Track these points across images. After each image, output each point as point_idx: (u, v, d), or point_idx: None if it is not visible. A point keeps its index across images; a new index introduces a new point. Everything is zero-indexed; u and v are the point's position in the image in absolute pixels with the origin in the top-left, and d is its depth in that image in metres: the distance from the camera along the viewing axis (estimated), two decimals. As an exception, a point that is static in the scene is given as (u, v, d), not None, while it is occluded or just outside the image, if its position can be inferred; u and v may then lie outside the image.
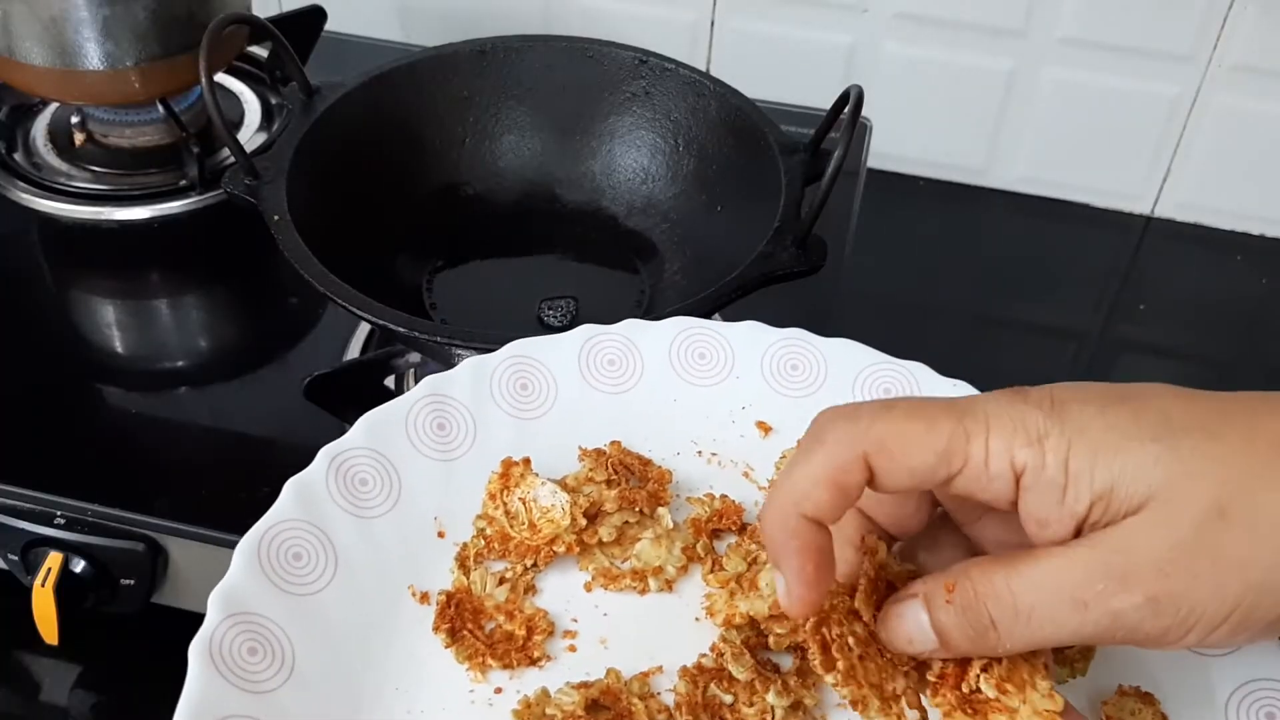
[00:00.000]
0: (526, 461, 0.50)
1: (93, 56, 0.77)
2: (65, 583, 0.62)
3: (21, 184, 0.84)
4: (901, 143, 0.96)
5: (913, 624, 0.35)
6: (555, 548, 0.48)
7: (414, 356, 0.67)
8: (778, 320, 0.76)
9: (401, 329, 0.57)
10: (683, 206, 0.74)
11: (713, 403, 0.56)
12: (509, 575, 0.48)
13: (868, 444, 0.33)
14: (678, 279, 0.72)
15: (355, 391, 0.66)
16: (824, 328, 0.76)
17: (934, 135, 0.96)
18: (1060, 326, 0.87)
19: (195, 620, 0.66)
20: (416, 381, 0.70)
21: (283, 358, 0.75)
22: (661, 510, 0.50)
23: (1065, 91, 0.91)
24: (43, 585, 0.62)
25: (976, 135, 0.96)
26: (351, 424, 0.66)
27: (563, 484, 0.50)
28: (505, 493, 0.49)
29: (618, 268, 0.74)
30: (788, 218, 0.62)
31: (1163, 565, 0.31)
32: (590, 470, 0.51)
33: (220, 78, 0.92)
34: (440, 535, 0.49)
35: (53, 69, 0.78)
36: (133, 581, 0.64)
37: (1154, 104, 0.90)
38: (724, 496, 0.51)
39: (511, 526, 0.49)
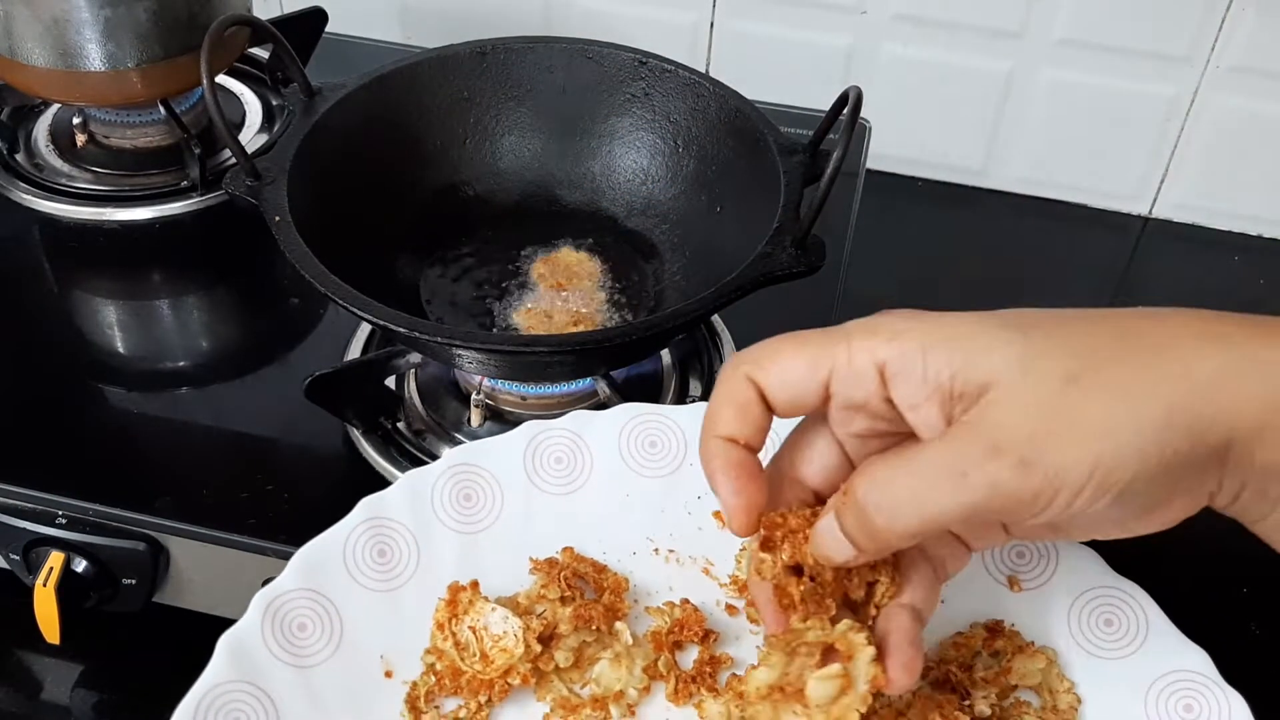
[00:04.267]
0: (475, 585, 0.48)
1: (94, 58, 0.77)
2: (67, 582, 0.62)
3: (23, 185, 0.84)
4: (900, 144, 0.97)
5: (830, 536, 0.38)
6: (510, 680, 0.46)
7: (414, 356, 0.67)
8: (779, 320, 0.76)
9: (402, 329, 0.57)
10: (682, 207, 0.74)
11: (667, 494, 0.53)
12: (463, 715, 0.46)
13: (747, 367, 0.39)
14: (678, 279, 0.72)
15: (356, 391, 0.66)
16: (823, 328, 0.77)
17: (932, 136, 0.97)
18: (1059, 327, 0.87)
19: (196, 620, 0.67)
20: (416, 381, 0.70)
21: (284, 358, 0.75)
22: (620, 625, 0.48)
23: (1063, 92, 0.92)
24: (44, 585, 0.62)
25: (975, 136, 0.96)
26: (351, 423, 0.67)
27: (514, 604, 0.48)
28: (454, 622, 0.47)
29: (618, 268, 0.74)
30: (787, 218, 0.62)
31: (1029, 431, 0.33)
32: (543, 586, 0.49)
33: (221, 79, 0.92)
34: (388, 675, 0.47)
35: (54, 70, 0.78)
36: (134, 581, 0.64)
37: (1152, 105, 0.90)
38: (684, 602, 0.50)
39: (462, 659, 0.46)
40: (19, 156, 0.88)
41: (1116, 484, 0.32)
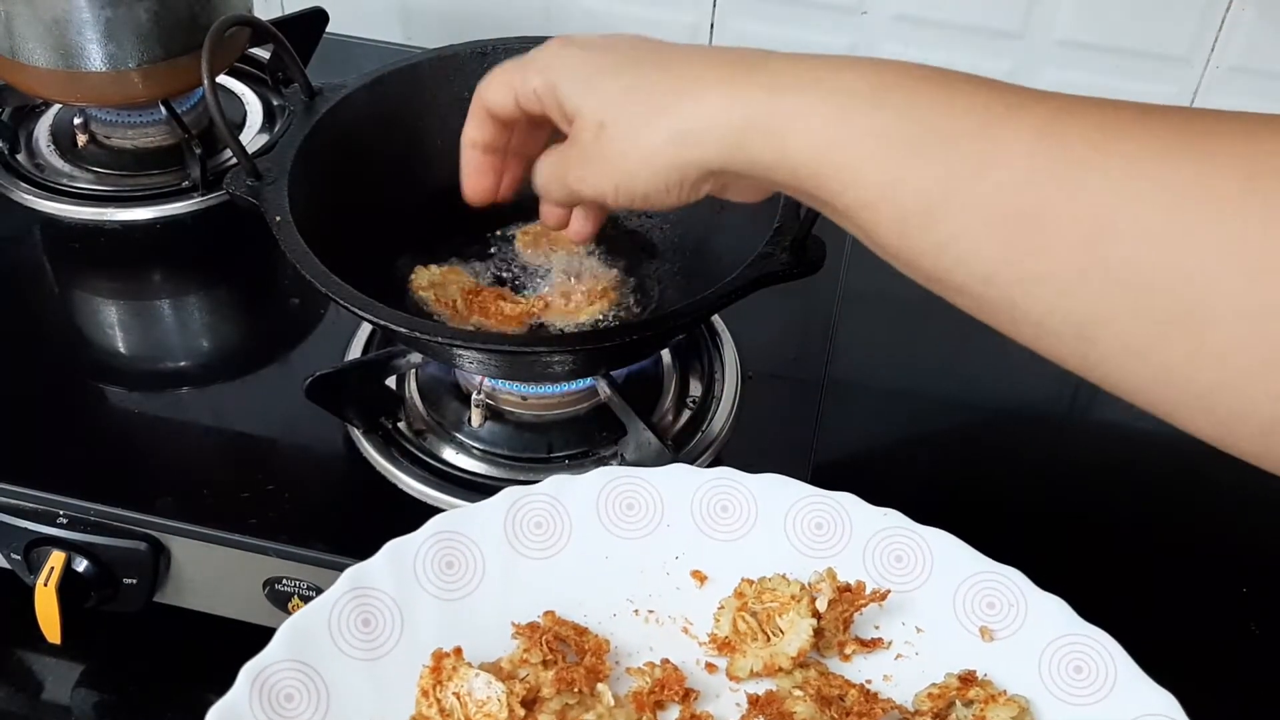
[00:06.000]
0: (458, 652, 0.48)
1: (95, 58, 0.77)
2: (68, 582, 0.62)
3: (24, 185, 0.85)
4: (901, 144, 0.97)
5: (538, 184, 0.53)
6: None
7: (415, 356, 0.67)
8: (779, 319, 0.76)
9: (402, 329, 0.57)
10: (683, 208, 0.74)
11: (645, 555, 0.55)
12: None
13: (481, 93, 0.53)
14: (678, 279, 0.72)
15: (356, 391, 0.66)
16: (823, 328, 0.77)
17: (933, 136, 0.97)
18: (1059, 327, 0.88)
19: (197, 620, 0.67)
20: (417, 381, 0.70)
21: (284, 358, 0.75)
22: (601, 687, 0.49)
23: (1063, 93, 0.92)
24: (45, 584, 0.62)
25: (975, 136, 0.96)
26: (352, 423, 0.67)
27: (497, 669, 0.49)
28: (438, 688, 0.48)
29: (618, 268, 0.74)
30: (787, 218, 0.62)
31: (579, 158, 0.48)
32: (525, 651, 0.50)
33: (222, 79, 0.92)
34: None
35: (55, 70, 0.78)
36: (135, 581, 0.64)
37: (1152, 105, 0.90)
38: (665, 662, 0.51)
39: None
40: (20, 156, 0.88)
41: (634, 195, 0.47)
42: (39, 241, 0.83)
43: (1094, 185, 0.36)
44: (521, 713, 0.47)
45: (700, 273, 0.69)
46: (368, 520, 0.64)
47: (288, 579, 0.62)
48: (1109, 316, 0.36)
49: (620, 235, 0.75)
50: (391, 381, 0.70)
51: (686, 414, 0.70)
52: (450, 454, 0.67)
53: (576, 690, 0.49)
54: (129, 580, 0.64)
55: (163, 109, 0.85)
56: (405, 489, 0.65)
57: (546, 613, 0.52)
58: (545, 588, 0.53)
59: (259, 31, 0.71)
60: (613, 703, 0.49)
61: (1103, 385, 0.38)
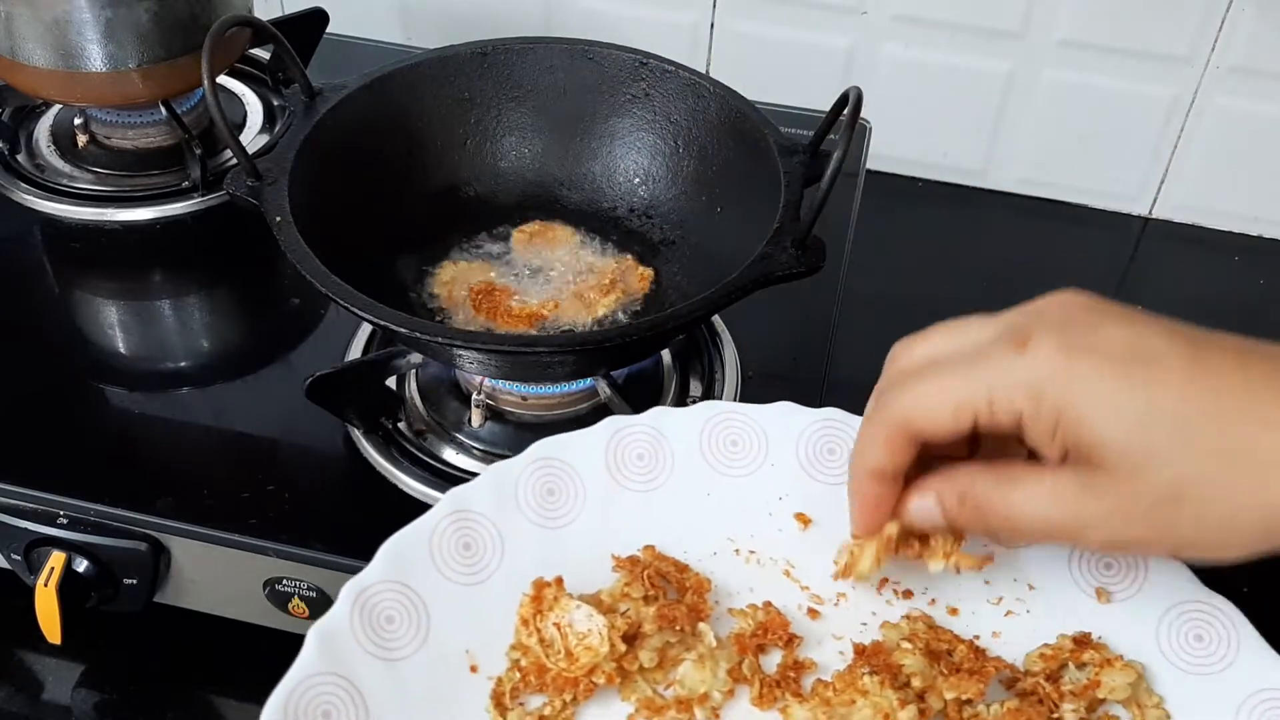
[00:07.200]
0: (559, 582, 0.47)
1: (95, 58, 0.77)
2: (68, 582, 0.62)
3: (24, 185, 0.85)
4: (900, 144, 0.97)
5: (928, 515, 0.46)
6: (595, 679, 0.46)
7: (415, 357, 0.67)
8: (779, 319, 0.76)
9: (403, 329, 0.58)
10: (683, 208, 0.74)
11: (748, 494, 0.53)
12: (548, 713, 0.45)
13: (898, 413, 0.44)
14: (678, 280, 0.72)
15: (357, 391, 0.66)
16: (823, 328, 0.77)
17: (933, 137, 0.97)
18: (1059, 327, 0.88)
19: (197, 620, 0.67)
20: (417, 382, 0.70)
21: (285, 358, 0.75)
22: (703, 626, 0.48)
23: (1063, 93, 0.92)
24: (45, 585, 0.62)
25: (975, 137, 0.96)
26: (352, 423, 0.67)
27: (596, 601, 0.48)
28: (539, 618, 0.46)
29: (615, 259, 0.74)
30: (787, 219, 0.62)
31: (1123, 520, 0.40)
32: (626, 585, 0.49)
33: (222, 79, 0.92)
34: (473, 670, 0.46)
35: (55, 70, 0.78)
36: (135, 581, 0.64)
37: (1152, 105, 0.90)
38: (767, 605, 0.49)
39: (547, 656, 0.46)
40: (20, 157, 0.88)
41: (1198, 558, 0.41)
42: (39, 241, 0.83)
43: None
44: (623, 648, 0.46)
45: (700, 273, 0.69)
46: (368, 520, 0.64)
47: (288, 579, 0.63)
48: None
49: (620, 235, 0.75)
50: (391, 381, 0.70)
51: (686, 414, 0.70)
52: (450, 454, 0.67)
53: (678, 628, 0.47)
54: (129, 580, 0.64)
55: (163, 109, 0.85)
56: (405, 489, 0.65)
57: (647, 547, 0.50)
58: (645, 521, 0.52)
59: (259, 32, 0.71)
60: (715, 644, 0.47)
61: None
